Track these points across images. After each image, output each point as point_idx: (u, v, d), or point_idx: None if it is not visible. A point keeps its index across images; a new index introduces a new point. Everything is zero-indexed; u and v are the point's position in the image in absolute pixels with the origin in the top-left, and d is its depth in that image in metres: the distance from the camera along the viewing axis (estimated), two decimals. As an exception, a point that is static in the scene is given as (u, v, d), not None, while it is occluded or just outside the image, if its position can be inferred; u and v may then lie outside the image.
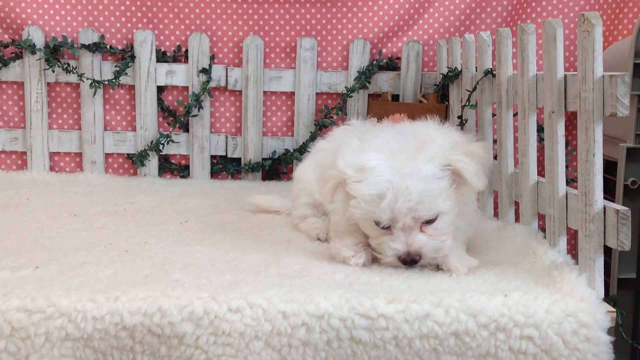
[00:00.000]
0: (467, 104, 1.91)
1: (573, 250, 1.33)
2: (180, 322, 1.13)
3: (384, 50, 2.45)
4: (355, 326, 1.14)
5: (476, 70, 1.94)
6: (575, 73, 1.31)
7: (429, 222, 1.29)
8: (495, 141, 1.89)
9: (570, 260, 1.34)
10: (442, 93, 2.29)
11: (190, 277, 1.26)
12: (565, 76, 1.37)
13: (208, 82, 2.40)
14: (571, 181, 1.84)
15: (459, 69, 2.11)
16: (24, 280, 1.21)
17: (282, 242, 1.55)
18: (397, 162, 1.27)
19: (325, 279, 1.27)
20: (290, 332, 1.14)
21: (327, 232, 1.56)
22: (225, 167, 2.47)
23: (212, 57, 2.43)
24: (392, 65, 2.45)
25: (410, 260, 1.30)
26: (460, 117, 1.97)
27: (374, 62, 2.43)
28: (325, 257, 1.41)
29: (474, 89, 1.89)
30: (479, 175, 1.30)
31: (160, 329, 1.12)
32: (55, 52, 2.35)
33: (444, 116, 2.27)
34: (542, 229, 1.52)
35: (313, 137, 2.40)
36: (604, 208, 1.23)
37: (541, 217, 1.54)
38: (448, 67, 2.19)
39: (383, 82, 2.44)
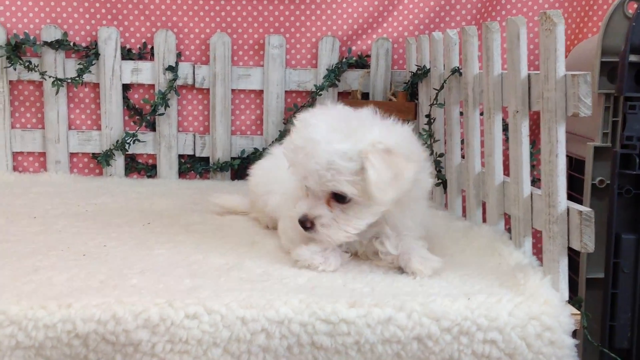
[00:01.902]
0: (434, 102, 1.90)
1: (540, 253, 1.32)
2: (135, 329, 1.09)
3: (353, 48, 2.43)
4: (317, 331, 1.11)
5: (444, 69, 1.92)
6: (539, 72, 1.30)
7: (340, 201, 1.30)
8: (462, 140, 1.88)
9: (535, 262, 1.33)
10: (411, 91, 2.28)
11: (148, 282, 1.22)
12: (529, 75, 1.36)
13: (175, 80, 2.36)
14: (537, 181, 1.83)
15: (428, 67, 2.09)
16: (-27, 287, 1.17)
17: (246, 244, 1.52)
18: (328, 130, 1.28)
19: (287, 283, 1.25)
20: (249, 338, 1.11)
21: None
22: (193, 166, 2.43)
23: (179, 55, 2.39)
24: (362, 63, 2.43)
25: (302, 221, 1.32)
26: (428, 115, 1.95)
27: (344, 59, 2.41)
28: (290, 261, 1.38)
29: (442, 87, 1.87)
30: (383, 188, 1.25)
31: (115, 337, 1.09)
32: (17, 50, 2.29)
33: (414, 115, 2.25)
34: (508, 229, 1.51)
35: (282, 136, 2.37)
36: (568, 209, 1.22)
37: (507, 218, 1.53)
38: (417, 65, 2.17)
39: (353, 80, 2.42)
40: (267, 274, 1.31)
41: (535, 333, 1.12)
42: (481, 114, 1.69)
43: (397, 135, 1.34)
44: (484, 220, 1.64)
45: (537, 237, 1.92)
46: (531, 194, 1.36)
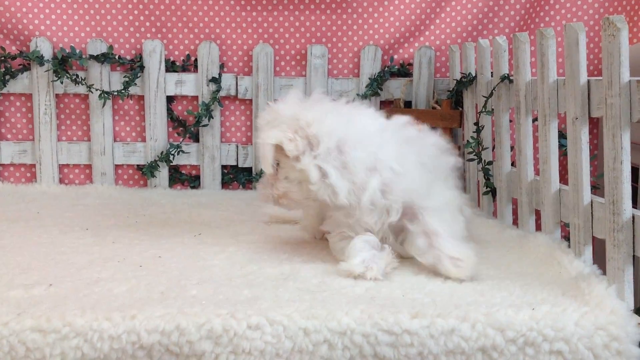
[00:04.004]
0: (483, 110, 1.88)
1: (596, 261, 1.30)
2: (198, 340, 1.10)
3: (395, 57, 2.42)
4: (379, 342, 1.10)
5: (492, 76, 1.91)
6: (599, 78, 1.28)
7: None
8: (512, 147, 1.86)
9: (597, 271, 1.30)
10: (455, 99, 2.26)
11: (207, 293, 1.23)
12: (588, 81, 1.34)
13: (218, 91, 2.38)
14: (593, 188, 1.80)
15: (474, 75, 2.08)
16: (38, 298, 1.18)
17: (299, 254, 1.52)
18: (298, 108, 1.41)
19: (346, 293, 1.24)
20: (312, 349, 1.10)
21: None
22: (236, 177, 2.44)
23: (222, 66, 2.41)
24: (404, 71, 2.42)
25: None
26: (476, 123, 1.93)
27: (386, 68, 2.40)
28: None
29: (490, 94, 1.86)
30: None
31: (179, 348, 1.09)
32: (63, 63, 2.32)
33: (458, 122, 2.23)
34: (565, 237, 1.48)
35: (325, 145, 2.37)
36: (633, 217, 1.19)
37: (563, 226, 1.50)
38: (462, 73, 2.16)
39: (395, 88, 2.41)
40: (325, 283, 1.30)
41: (603, 343, 1.10)
42: (534, 120, 1.68)
43: (352, 128, 1.40)
44: (538, 228, 1.62)
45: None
46: (591, 202, 1.33)
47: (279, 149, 1.40)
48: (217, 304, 1.17)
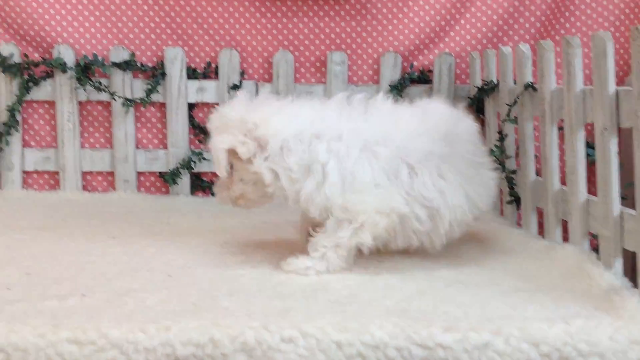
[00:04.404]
0: (507, 118, 1.88)
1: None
2: (233, 352, 1.10)
3: (415, 63, 2.43)
4: (413, 356, 1.10)
5: (514, 83, 1.91)
6: (629, 88, 1.27)
7: None
8: (536, 156, 1.86)
9: (628, 284, 1.30)
10: (477, 106, 2.26)
11: (239, 304, 1.23)
12: (617, 91, 1.33)
13: (239, 98, 2.38)
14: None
15: (495, 82, 2.08)
16: (72, 309, 1.19)
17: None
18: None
19: (377, 306, 1.24)
20: (345, 362, 1.11)
21: None
22: (256, 183, 2.45)
23: (242, 73, 2.42)
24: (424, 78, 2.42)
25: None
26: (500, 132, 1.93)
27: (406, 75, 2.40)
28: (373, 281, 1.38)
29: (514, 103, 1.86)
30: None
31: (213, 360, 1.10)
32: (86, 71, 2.34)
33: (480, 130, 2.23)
34: (594, 249, 1.48)
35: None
36: (665, 229, 1.19)
37: (591, 236, 1.50)
38: (483, 80, 2.16)
39: (415, 95, 2.41)
40: (354, 295, 1.30)
41: (637, 358, 1.10)
42: (559, 129, 1.67)
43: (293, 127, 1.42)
44: (565, 239, 1.62)
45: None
46: (621, 213, 1.33)
47: (231, 152, 1.43)
48: (250, 315, 1.17)
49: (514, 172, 1.91)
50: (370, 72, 2.44)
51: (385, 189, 1.40)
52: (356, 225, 1.40)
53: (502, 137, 1.92)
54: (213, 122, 1.50)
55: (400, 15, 2.39)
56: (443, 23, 2.39)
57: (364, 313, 1.19)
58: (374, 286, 1.36)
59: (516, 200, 1.90)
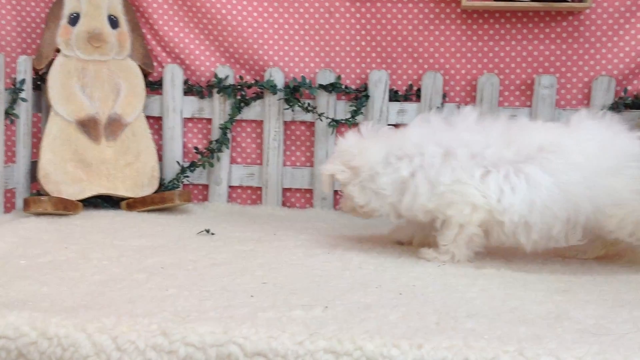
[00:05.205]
0: None
1: None
2: (486, 375, 1.08)
3: (629, 87, 2.30)
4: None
5: None
6: None
7: None
8: None
9: None
10: None
11: (483, 327, 1.21)
12: None
13: (442, 121, 2.38)
14: None
15: None
16: (320, 320, 1.22)
17: (556, 291, 1.47)
18: None
19: (633, 338, 1.17)
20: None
21: None
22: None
23: (444, 96, 2.41)
24: (639, 103, 2.29)
25: None
26: None
27: (619, 99, 2.29)
28: (620, 313, 1.31)
29: None
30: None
31: (467, 382, 1.08)
32: (294, 92, 2.44)
33: None
34: None
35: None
36: None
37: None
38: None
39: (628, 121, 2.28)
40: (602, 326, 1.24)
41: None
42: None
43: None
44: None
45: None
46: None
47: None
48: (500, 339, 1.14)
49: None
50: (580, 96, 2.34)
51: (464, 186, 1.63)
52: (454, 222, 1.65)
53: None
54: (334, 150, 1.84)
55: (615, 39, 2.29)
56: (662, 45, 2.26)
57: (622, 345, 1.13)
58: (619, 318, 1.28)
59: None
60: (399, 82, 2.45)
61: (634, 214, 1.61)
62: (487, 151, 1.65)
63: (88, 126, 2.36)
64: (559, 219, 1.60)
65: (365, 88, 2.43)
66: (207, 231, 1.97)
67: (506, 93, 2.39)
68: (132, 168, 2.37)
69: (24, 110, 2.29)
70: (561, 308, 1.34)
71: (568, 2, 2.21)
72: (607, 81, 2.28)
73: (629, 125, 1.70)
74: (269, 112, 2.48)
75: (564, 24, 2.32)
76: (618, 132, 1.68)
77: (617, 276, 1.65)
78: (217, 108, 2.50)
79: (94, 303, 1.29)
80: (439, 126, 1.72)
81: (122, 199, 2.35)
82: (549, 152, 1.63)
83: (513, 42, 2.36)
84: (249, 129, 2.54)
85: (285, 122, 2.51)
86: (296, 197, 2.55)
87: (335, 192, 2.50)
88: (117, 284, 1.42)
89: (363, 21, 2.42)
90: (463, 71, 2.40)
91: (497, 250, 1.79)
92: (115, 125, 2.39)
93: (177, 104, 2.51)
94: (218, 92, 2.48)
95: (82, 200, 2.28)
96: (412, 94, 2.44)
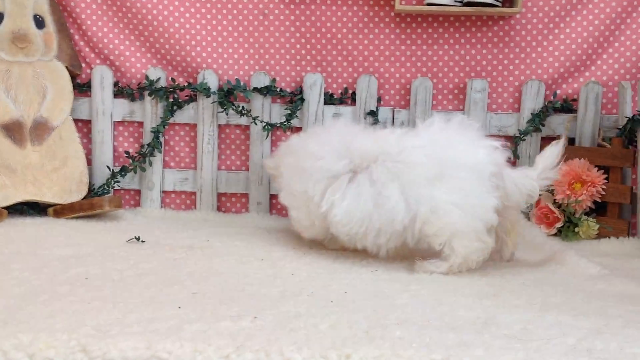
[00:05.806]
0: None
1: None
2: (415, 384, 1.07)
3: (558, 92, 2.35)
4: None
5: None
6: None
7: None
8: None
9: None
10: (629, 138, 2.16)
11: (412, 334, 1.20)
12: None
13: (375, 124, 2.38)
14: None
15: (651, 113, 1.98)
16: (248, 331, 1.20)
17: (486, 295, 1.48)
18: None
19: (558, 344, 1.18)
20: (533, 402, 1.05)
21: None
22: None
23: (379, 99, 2.41)
24: (567, 107, 2.34)
25: None
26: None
27: (548, 103, 2.33)
28: (547, 317, 1.32)
29: (680, 135, 1.76)
30: None
31: (395, 392, 1.07)
32: (228, 95, 2.40)
33: (631, 162, 2.13)
34: None
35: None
36: None
37: None
38: (638, 111, 2.06)
39: (557, 124, 2.34)
40: (528, 331, 1.25)
41: None
42: None
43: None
44: None
45: None
46: None
47: None
48: (428, 347, 1.14)
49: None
50: (511, 100, 2.38)
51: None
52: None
53: (664, 170, 1.83)
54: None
55: (544, 43, 2.33)
56: (590, 51, 2.31)
57: (547, 351, 1.14)
58: (545, 322, 1.30)
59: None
60: (334, 86, 2.44)
61: (448, 227, 1.65)
62: (318, 163, 1.77)
63: (12, 130, 2.27)
64: (376, 228, 1.70)
65: (301, 91, 2.41)
66: (137, 239, 1.92)
67: (440, 97, 2.41)
68: (60, 173, 2.29)
69: (-58, 113, 2.19)
70: (489, 313, 1.35)
71: (499, 7, 2.24)
72: (537, 85, 2.32)
73: (482, 131, 1.73)
74: (202, 115, 2.43)
75: (495, 28, 2.35)
76: (460, 140, 1.69)
77: (547, 279, 1.68)
78: (148, 111, 2.44)
79: (11, 318, 1.23)
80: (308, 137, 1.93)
81: (49, 205, 2.26)
82: (374, 161, 1.72)
83: (446, 47, 2.38)
84: (182, 133, 2.49)
85: (219, 126, 2.46)
86: (232, 202, 2.51)
87: (271, 196, 2.47)
88: (37, 297, 1.36)
89: (297, 24, 2.40)
90: (397, 75, 2.41)
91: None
92: (41, 129, 2.31)
93: (106, 107, 2.44)
94: (149, 95, 2.42)
95: (6, 208, 2.19)
96: (347, 97, 2.44)
